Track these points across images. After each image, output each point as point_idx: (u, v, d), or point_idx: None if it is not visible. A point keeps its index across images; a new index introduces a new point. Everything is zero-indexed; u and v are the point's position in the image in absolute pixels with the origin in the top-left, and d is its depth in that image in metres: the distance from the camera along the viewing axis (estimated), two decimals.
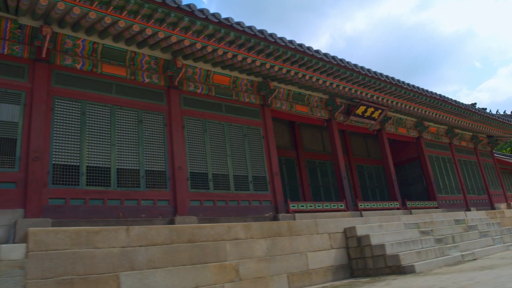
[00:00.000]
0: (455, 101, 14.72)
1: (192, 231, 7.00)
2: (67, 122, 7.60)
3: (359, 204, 11.97)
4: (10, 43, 7.35)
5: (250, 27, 8.75)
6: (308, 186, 13.68)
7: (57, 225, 6.64)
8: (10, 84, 7.19)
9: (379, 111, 13.58)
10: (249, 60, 9.39)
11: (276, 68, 9.91)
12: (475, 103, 16.93)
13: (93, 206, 7.37)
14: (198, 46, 8.54)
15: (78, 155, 7.51)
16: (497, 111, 18.37)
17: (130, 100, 8.48)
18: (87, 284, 5.60)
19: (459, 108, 14.87)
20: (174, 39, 8.22)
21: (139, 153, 8.25)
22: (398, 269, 8.35)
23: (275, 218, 9.58)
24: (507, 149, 35.90)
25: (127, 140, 8.19)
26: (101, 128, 7.94)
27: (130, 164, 8.07)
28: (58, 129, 7.45)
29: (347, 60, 10.91)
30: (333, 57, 10.49)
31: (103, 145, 7.86)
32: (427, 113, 14.62)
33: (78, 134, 7.64)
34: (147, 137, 8.48)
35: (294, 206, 10.25)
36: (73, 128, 7.63)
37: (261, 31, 8.91)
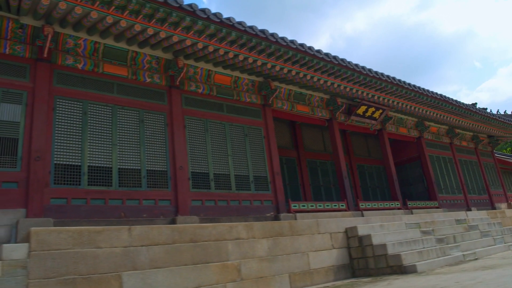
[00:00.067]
0: (456, 101, 14.72)
1: (194, 231, 6.99)
2: (69, 122, 7.60)
3: (360, 204, 11.97)
4: (11, 42, 7.35)
5: (251, 27, 8.75)
6: (309, 186, 13.68)
7: (59, 225, 6.65)
8: (12, 84, 7.19)
9: (380, 111, 13.58)
10: (250, 60, 9.39)
11: (277, 68, 9.90)
12: (476, 103, 16.90)
13: (95, 206, 7.37)
14: (200, 46, 8.53)
15: (79, 155, 7.51)
16: (497, 111, 18.37)
17: (131, 100, 8.48)
18: (90, 284, 5.60)
19: (460, 108, 14.88)
20: (176, 39, 8.21)
21: (141, 153, 8.25)
22: (400, 269, 8.35)
23: (276, 218, 9.58)
24: (507, 149, 35.91)
25: (128, 140, 8.19)
26: (102, 128, 7.94)
27: (131, 164, 8.07)
28: (59, 129, 7.45)
29: (348, 60, 10.92)
30: (334, 57, 10.48)
31: (105, 145, 7.86)
32: (428, 113, 14.62)
33: (80, 134, 7.64)
34: (148, 137, 8.48)
35: (295, 206, 10.25)
36: (74, 128, 7.62)
37: (263, 31, 8.91)
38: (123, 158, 8.00)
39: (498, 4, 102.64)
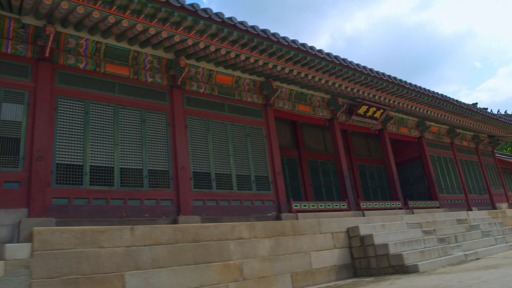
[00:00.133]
0: (456, 101, 14.72)
1: (196, 231, 6.99)
2: (71, 121, 7.59)
3: (361, 204, 11.97)
4: (13, 42, 7.34)
5: (253, 27, 8.75)
6: (310, 186, 13.68)
7: (61, 224, 6.63)
8: (14, 83, 7.18)
9: (381, 110, 13.58)
10: (252, 60, 9.38)
11: (278, 68, 9.90)
12: (476, 103, 16.88)
13: (97, 205, 7.36)
14: (201, 45, 8.53)
15: (81, 154, 7.50)
16: (498, 111, 18.38)
17: (133, 100, 8.47)
18: (92, 284, 5.59)
19: (461, 108, 14.88)
20: (177, 39, 8.21)
21: (142, 152, 8.24)
22: (402, 269, 8.35)
23: (277, 218, 9.58)
24: (508, 149, 35.92)
25: (130, 139, 8.18)
26: (104, 128, 7.93)
27: (133, 164, 8.06)
28: (61, 129, 7.44)
29: (349, 60, 10.92)
30: (336, 57, 10.48)
31: (107, 145, 7.85)
32: (428, 112, 14.62)
33: (82, 134, 7.63)
34: (150, 136, 8.48)
35: (296, 206, 10.24)
36: (76, 128, 7.62)
37: (264, 31, 8.91)
38: (125, 158, 7.99)
39: (498, 4, 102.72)
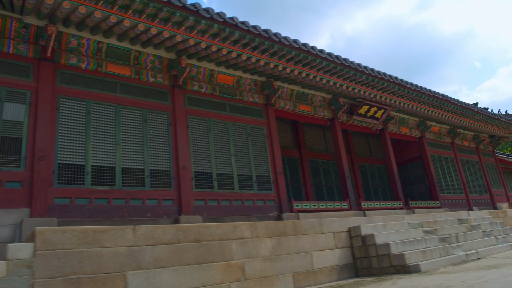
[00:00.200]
0: (457, 100, 14.72)
1: (198, 230, 6.99)
2: (72, 121, 7.59)
3: (363, 204, 11.97)
4: (15, 42, 7.34)
5: (254, 27, 8.75)
6: (311, 186, 13.68)
7: (63, 224, 6.64)
8: (15, 83, 7.18)
9: (382, 110, 13.58)
10: (253, 60, 9.38)
11: (280, 68, 9.89)
12: (477, 103, 16.87)
13: (98, 205, 7.36)
14: (203, 45, 8.53)
15: (83, 154, 7.50)
16: (498, 111, 18.38)
17: (134, 100, 8.47)
18: (95, 284, 5.59)
19: (462, 107, 14.87)
20: (179, 38, 8.21)
21: (144, 152, 8.24)
22: (403, 269, 8.35)
23: (279, 218, 9.58)
24: (508, 149, 35.92)
25: (131, 139, 8.18)
26: (106, 128, 7.93)
27: (135, 164, 8.06)
28: (63, 129, 7.44)
29: (350, 59, 10.91)
30: (337, 57, 10.48)
31: (108, 145, 7.85)
32: (429, 112, 14.62)
33: (83, 134, 7.63)
34: (151, 136, 8.48)
35: (298, 206, 10.24)
36: (78, 128, 7.62)
37: (266, 31, 8.91)
38: (127, 158, 7.99)
39: (498, 4, 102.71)
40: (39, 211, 6.66)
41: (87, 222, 7.02)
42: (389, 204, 12.82)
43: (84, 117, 7.74)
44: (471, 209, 16.02)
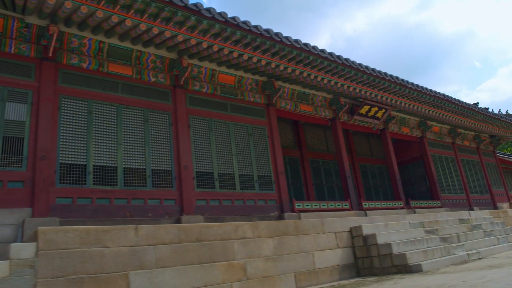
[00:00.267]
0: (458, 100, 14.72)
1: (200, 230, 6.98)
2: (74, 121, 7.59)
3: (364, 204, 11.96)
4: (17, 42, 7.34)
5: (256, 26, 8.74)
6: (312, 186, 13.68)
7: (65, 224, 6.64)
8: (17, 83, 7.18)
9: (383, 110, 13.58)
10: (254, 60, 9.37)
11: (281, 68, 9.89)
12: (478, 103, 16.86)
13: (100, 205, 7.35)
14: (204, 45, 8.52)
15: (85, 154, 7.50)
16: (499, 111, 18.38)
17: (136, 99, 8.47)
18: (97, 283, 5.59)
19: (462, 107, 14.88)
20: (181, 38, 8.20)
21: (146, 152, 8.24)
22: (405, 268, 8.34)
23: (280, 218, 9.58)
24: (508, 149, 35.93)
25: (133, 139, 8.18)
26: (107, 127, 7.93)
27: (136, 164, 8.06)
28: (64, 128, 7.44)
29: (351, 59, 10.91)
30: (338, 57, 10.48)
31: (110, 144, 7.85)
32: (430, 112, 14.62)
33: (85, 133, 7.63)
34: (153, 136, 8.47)
35: (299, 206, 10.24)
36: (79, 127, 7.61)
37: (267, 30, 8.91)
38: (128, 158, 7.98)
39: (498, 4, 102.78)
40: (41, 211, 6.66)
41: (89, 222, 7.01)
42: (390, 204, 12.82)
43: (85, 117, 7.74)
44: (472, 209, 16.02)
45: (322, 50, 10.14)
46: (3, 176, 6.58)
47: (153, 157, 8.31)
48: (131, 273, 5.94)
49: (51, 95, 7.40)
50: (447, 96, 14.19)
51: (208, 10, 7.96)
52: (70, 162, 7.31)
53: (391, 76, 11.98)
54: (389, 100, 12.98)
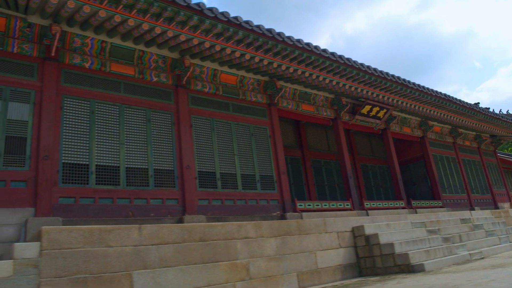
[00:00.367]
0: (459, 100, 14.73)
1: (203, 230, 6.98)
2: (76, 120, 7.59)
3: (365, 204, 11.96)
4: (19, 41, 7.34)
5: (258, 26, 8.74)
6: (313, 185, 13.67)
7: (68, 224, 6.64)
8: (20, 82, 7.18)
9: (385, 110, 13.58)
10: (256, 59, 9.37)
11: (283, 67, 9.89)
12: (478, 103, 16.86)
13: (103, 205, 7.35)
14: (207, 45, 8.52)
15: (87, 154, 7.49)
16: (500, 111, 18.38)
17: (138, 99, 8.47)
18: (101, 283, 5.58)
19: (464, 107, 14.88)
20: (183, 38, 8.20)
21: (148, 152, 8.23)
22: (407, 268, 8.34)
23: (282, 217, 9.58)
24: (509, 149, 35.94)
25: (135, 139, 8.18)
26: (110, 127, 7.92)
27: (139, 163, 8.05)
28: (67, 128, 7.44)
29: (353, 59, 10.91)
30: (340, 56, 10.48)
31: (112, 144, 7.84)
32: (431, 112, 14.62)
33: (87, 133, 7.62)
34: (155, 136, 8.47)
35: (301, 205, 10.24)
36: (82, 127, 7.61)
37: (269, 30, 8.90)
38: (131, 157, 7.98)
39: (498, 4, 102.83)
40: (44, 210, 6.66)
41: (91, 221, 7.02)
42: (391, 204, 12.82)
43: (88, 116, 7.73)
44: (473, 209, 16.02)
45: (324, 50, 10.14)
46: (6, 175, 6.58)
47: (156, 157, 8.31)
48: (134, 273, 5.94)
49: (54, 94, 7.39)
50: (449, 96, 14.19)
51: (211, 10, 7.96)
52: (72, 161, 7.31)
53: (392, 76, 11.99)
54: (390, 100, 12.98)
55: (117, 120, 8.06)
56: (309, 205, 10.48)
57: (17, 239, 6.35)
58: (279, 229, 8.13)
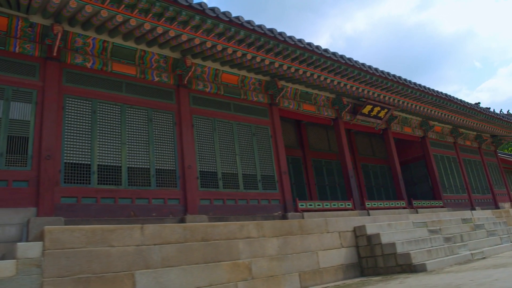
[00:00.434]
0: (460, 100, 14.73)
1: (205, 230, 6.97)
2: (78, 120, 7.58)
3: (366, 203, 11.96)
4: (21, 41, 7.33)
5: (260, 26, 8.74)
6: (314, 185, 13.67)
7: (70, 223, 6.63)
8: (22, 82, 7.17)
9: (385, 110, 13.58)
10: (258, 59, 9.37)
11: (284, 67, 9.89)
12: (479, 103, 16.86)
13: (105, 204, 7.35)
14: (208, 44, 8.52)
15: (89, 153, 7.49)
16: (501, 111, 18.39)
17: (140, 99, 8.46)
18: (103, 283, 5.57)
19: (464, 107, 14.88)
20: (185, 38, 8.20)
21: (149, 152, 8.23)
22: (409, 268, 8.33)
23: (284, 217, 9.57)
24: (509, 149, 35.94)
25: (137, 138, 8.17)
26: (111, 127, 7.92)
27: (140, 163, 8.05)
28: (69, 128, 7.43)
29: (354, 59, 10.91)
30: (341, 56, 10.48)
31: (114, 144, 7.84)
32: (432, 112, 14.62)
33: (89, 133, 7.62)
34: (157, 135, 8.46)
35: (302, 205, 10.24)
36: (84, 127, 7.61)
37: (271, 30, 8.90)
38: (132, 157, 7.98)
39: (498, 4, 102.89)
40: (46, 210, 6.65)
41: (93, 221, 7.01)
42: (392, 204, 12.82)
43: (90, 116, 7.73)
44: (474, 209, 16.02)
45: (326, 50, 10.14)
46: (8, 175, 6.58)
47: (157, 156, 8.30)
48: (137, 273, 5.93)
49: (56, 94, 7.39)
50: (450, 96, 14.20)
51: (212, 9, 7.96)
52: (74, 161, 7.31)
53: (394, 75, 11.99)
54: (391, 99, 12.98)
55: (119, 120, 8.06)
56: (310, 205, 10.48)
57: (19, 239, 6.34)
58: (281, 229, 8.12)
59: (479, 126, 17.04)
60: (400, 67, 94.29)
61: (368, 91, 12.11)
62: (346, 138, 12.84)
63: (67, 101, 7.55)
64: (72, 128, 7.46)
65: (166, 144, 8.54)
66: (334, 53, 10.33)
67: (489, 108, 17.04)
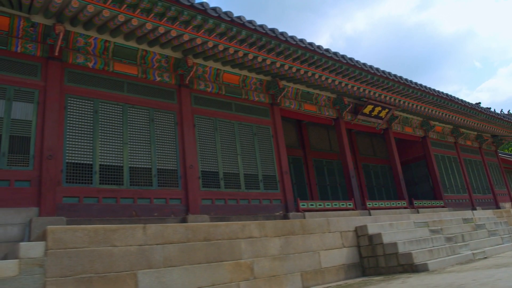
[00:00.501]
0: (461, 100, 14.73)
1: (208, 230, 6.97)
2: (80, 120, 7.58)
3: (367, 203, 11.96)
4: (23, 41, 7.33)
5: (261, 26, 8.74)
6: (315, 185, 13.67)
7: (71, 223, 6.63)
8: (24, 82, 7.17)
9: (386, 110, 13.58)
10: (259, 59, 9.37)
11: (286, 67, 9.88)
12: (480, 103, 16.87)
13: (106, 204, 7.35)
14: (210, 44, 8.52)
15: (91, 153, 7.49)
16: (501, 111, 18.40)
17: (141, 99, 8.46)
18: (106, 283, 5.57)
19: (465, 107, 14.89)
20: (186, 38, 8.19)
21: (151, 151, 8.23)
22: (411, 268, 8.33)
23: (285, 217, 9.57)
24: (509, 149, 35.95)
25: (139, 138, 8.17)
26: (113, 127, 7.92)
27: (142, 163, 8.05)
28: (71, 128, 7.43)
29: (355, 59, 10.91)
30: (343, 56, 10.48)
31: (116, 144, 7.84)
32: (433, 112, 14.62)
33: (91, 133, 7.62)
34: (158, 135, 8.46)
35: (304, 205, 10.24)
36: (85, 127, 7.60)
37: (272, 30, 8.90)
38: (134, 157, 7.97)
39: (498, 4, 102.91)
40: (48, 210, 6.65)
41: (95, 221, 7.01)
42: (393, 204, 12.82)
43: (91, 116, 7.73)
44: (475, 209, 16.02)
45: (327, 50, 10.14)
46: (10, 175, 6.57)
47: (159, 156, 8.30)
48: (139, 272, 5.93)
49: (57, 94, 7.38)
50: (451, 95, 14.20)
51: (214, 9, 7.96)
52: (76, 161, 7.30)
53: (395, 75, 11.99)
54: (392, 99, 12.98)
55: (121, 120, 8.05)
56: (311, 204, 10.48)
57: (21, 238, 6.34)
58: (282, 228, 8.12)
59: (480, 126, 17.05)
60: (400, 67, 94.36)
61: (369, 91, 12.11)
62: (347, 138, 12.85)
63: (69, 101, 7.55)
64: (74, 128, 7.46)
65: (167, 144, 8.54)
66: (335, 53, 10.33)
67: (490, 108, 17.05)
